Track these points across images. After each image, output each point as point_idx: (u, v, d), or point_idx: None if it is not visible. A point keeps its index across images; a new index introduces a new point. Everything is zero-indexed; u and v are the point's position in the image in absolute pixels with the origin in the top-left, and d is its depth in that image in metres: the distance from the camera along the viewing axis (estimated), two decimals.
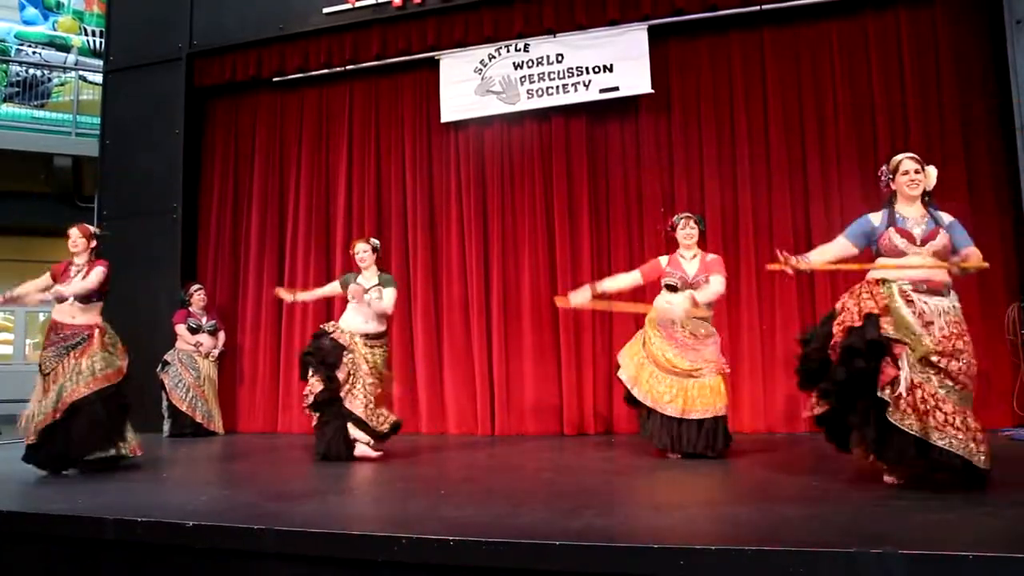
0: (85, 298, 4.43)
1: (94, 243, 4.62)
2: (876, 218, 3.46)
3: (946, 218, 3.37)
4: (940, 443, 3.00)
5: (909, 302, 3.20)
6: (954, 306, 3.23)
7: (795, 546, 2.17)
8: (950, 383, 3.09)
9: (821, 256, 3.55)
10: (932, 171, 3.43)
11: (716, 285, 4.47)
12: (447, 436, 6.25)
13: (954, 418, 3.03)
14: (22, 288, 4.54)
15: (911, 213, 3.39)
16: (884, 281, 3.30)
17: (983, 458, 3.01)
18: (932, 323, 3.15)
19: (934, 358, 3.10)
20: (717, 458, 4.34)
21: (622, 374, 4.59)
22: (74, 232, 4.58)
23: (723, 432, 4.40)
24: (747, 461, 4.30)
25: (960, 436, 3.01)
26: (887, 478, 3.29)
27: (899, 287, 3.25)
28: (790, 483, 3.53)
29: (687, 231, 4.61)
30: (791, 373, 5.54)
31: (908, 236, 3.31)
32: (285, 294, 5.27)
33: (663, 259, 4.68)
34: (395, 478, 4.15)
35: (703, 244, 4.81)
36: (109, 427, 4.34)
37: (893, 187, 3.46)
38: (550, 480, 3.91)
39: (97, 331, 4.40)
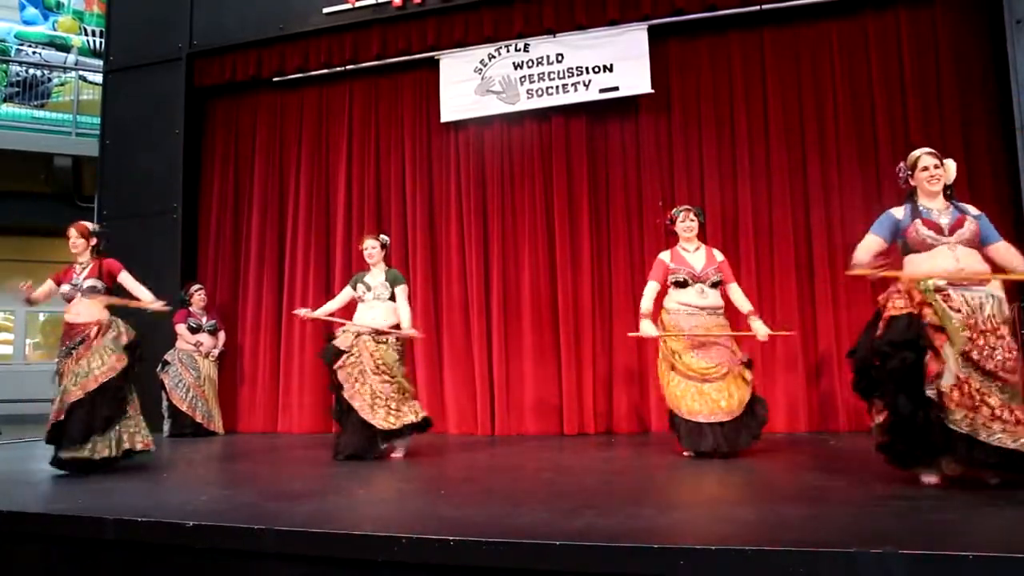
0: (92, 290, 4.44)
1: (94, 241, 4.60)
2: (899, 212, 3.39)
3: (972, 209, 3.34)
4: (990, 440, 2.90)
5: (947, 298, 3.12)
6: (993, 295, 3.13)
7: (795, 546, 2.17)
8: (990, 380, 3.02)
9: (861, 257, 3.39)
10: (951, 164, 3.39)
11: (743, 298, 4.62)
12: (447, 436, 6.24)
13: (1001, 411, 2.95)
14: (39, 292, 4.59)
15: (935, 205, 3.34)
16: (923, 281, 3.18)
17: None
18: (968, 317, 3.08)
19: (974, 355, 3.02)
20: (733, 455, 4.31)
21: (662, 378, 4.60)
22: (72, 232, 4.56)
23: (747, 428, 4.36)
24: (747, 461, 4.29)
25: (1008, 429, 2.91)
26: (926, 479, 3.16)
27: (935, 284, 3.15)
28: (790, 483, 3.53)
29: (687, 223, 4.61)
30: (791, 373, 5.60)
31: (935, 227, 3.25)
32: (304, 312, 5.08)
33: (665, 255, 4.65)
34: (395, 478, 4.16)
35: (703, 236, 4.80)
36: (91, 425, 4.24)
37: (912, 183, 3.41)
38: (550, 480, 3.91)
39: (95, 330, 4.37)
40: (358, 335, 4.77)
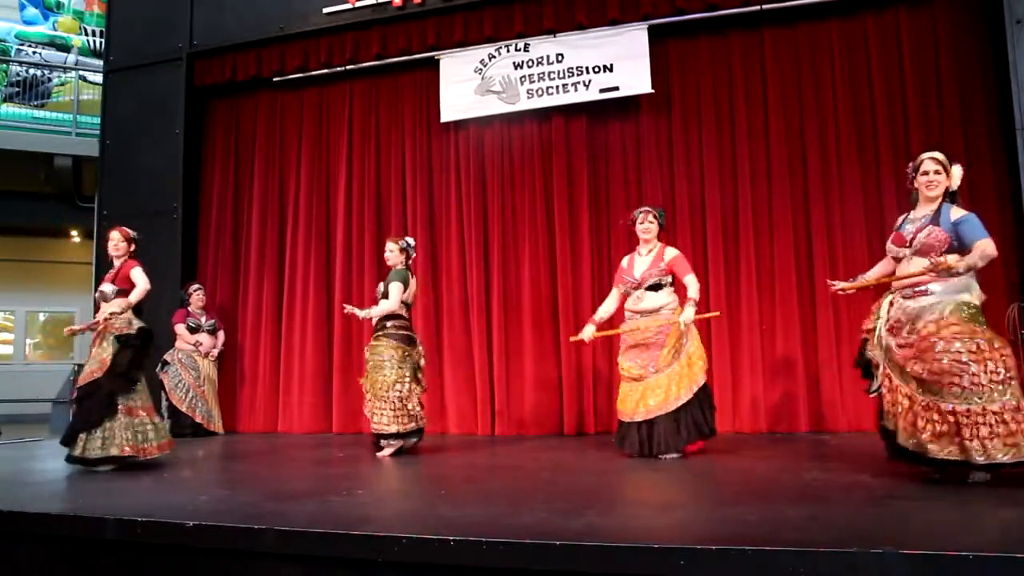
0: (103, 295, 4.55)
1: (133, 247, 4.71)
2: (899, 222, 3.56)
3: (954, 214, 3.30)
4: (907, 443, 3.18)
5: (889, 310, 3.38)
6: (940, 303, 3.20)
7: (795, 546, 2.17)
8: (917, 382, 3.18)
9: (873, 270, 3.67)
10: (957, 171, 3.39)
11: (694, 288, 4.45)
12: (447, 436, 6.25)
13: (928, 415, 3.11)
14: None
15: (919, 213, 3.40)
16: (884, 297, 3.47)
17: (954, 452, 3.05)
18: (904, 327, 3.27)
19: (897, 358, 3.25)
20: (677, 454, 4.35)
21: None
22: (116, 235, 4.68)
23: (684, 426, 4.38)
24: (747, 461, 4.29)
25: (922, 436, 3.10)
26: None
27: (889, 299, 3.39)
28: (790, 483, 3.53)
29: (644, 226, 4.62)
30: (791, 373, 5.61)
31: (900, 240, 3.38)
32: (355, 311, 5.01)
33: (624, 261, 4.73)
34: (395, 478, 4.16)
35: (669, 239, 4.87)
36: (81, 422, 4.36)
37: (916, 185, 3.43)
38: (550, 480, 3.90)
39: (101, 326, 4.49)
40: None
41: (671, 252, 4.62)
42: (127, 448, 4.36)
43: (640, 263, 4.60)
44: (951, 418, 3.05)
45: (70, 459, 4.37)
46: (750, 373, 5.67)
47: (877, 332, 3.36)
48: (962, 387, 3.06)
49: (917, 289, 3.26)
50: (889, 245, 3.42)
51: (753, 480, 3.73)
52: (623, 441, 4.51)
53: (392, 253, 5.05)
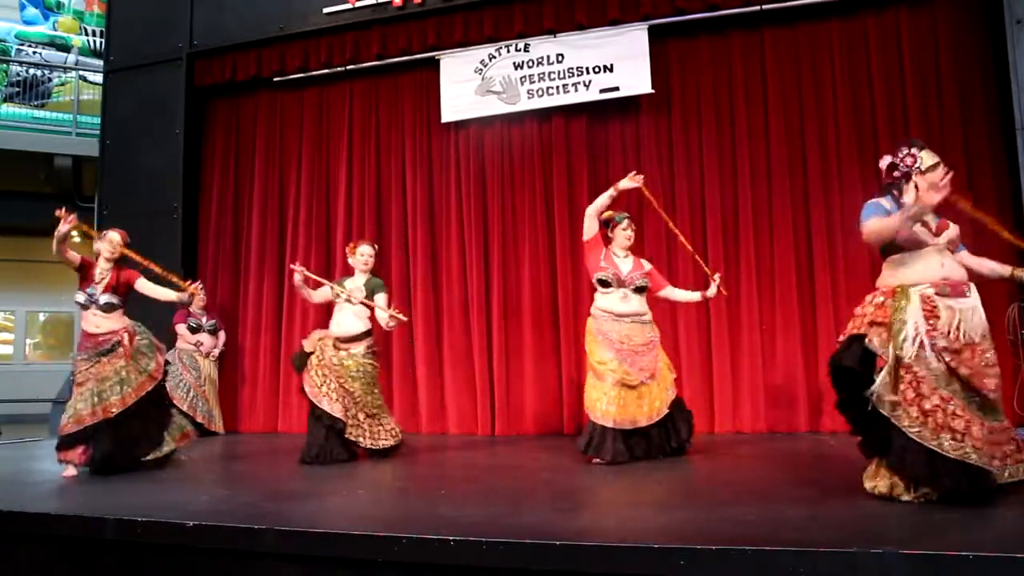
0: (108, 307, 4.46)
1: (126, 252, 4.64)
2: (886, 203, 3.20)
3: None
4: (952, 452, 2.80)
5: (932, 311, 2.97)
6: (976, 308, 3.05)
7: (795, 546, 2.17)
8: (964, 389, 2.91)
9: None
10: None
11: (685, 292, 4.79)
12: (447, 436, 6.25)
13: (968, 426, 2.85)
14: (71, 253, 4.50)
15: None
16: (903, 289, 3.04)
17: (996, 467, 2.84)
18: (962, 324, 2.96)
19: (954, 364, 2.90)
20: (657, 458, 4.35)
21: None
22: (117, 238, 4.56)
23: (668, 434, 4.42)
24: (748, 461, 4.30)
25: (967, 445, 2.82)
26: (907, 496, 2.92)
27: (922, 295, 3.00)
28: (790, 483, 3.53)
29: (628, 232, 4.58)
30: (791, 373, 5.61)
31: (925, 224, 3.08)
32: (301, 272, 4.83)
33: (601, 250, 4.57)
34: (395, 478, 4.16)
35: (636, 248, 4.79)
36: (153, 430, 4.44)
37: (915, 179, 3.15)
38: (550, 480, 3.91)
39: (126, 335, 4.43)
40: (321, 339, 4.78)
41: (647, 263, 4.68)
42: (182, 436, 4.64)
43: (622, 264, 4.54)
44: (993, 435, 2.90)
45: (139, 462, 4.37)
46: (750, 373, 5.67)
47: (905, 332, 2.93)
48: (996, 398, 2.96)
49: (953, 287, 3.04)
50: (917, 227, 3.06)
51: (753, 480, 3.73)
52: (604, 447, 4.24)
53: (372, 258, 4.99)
